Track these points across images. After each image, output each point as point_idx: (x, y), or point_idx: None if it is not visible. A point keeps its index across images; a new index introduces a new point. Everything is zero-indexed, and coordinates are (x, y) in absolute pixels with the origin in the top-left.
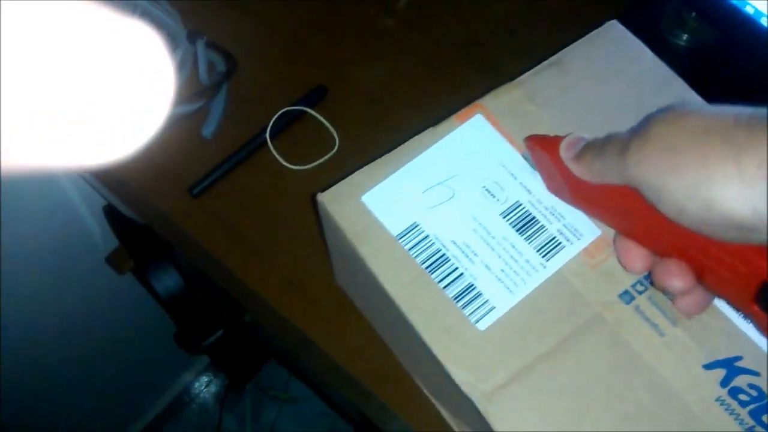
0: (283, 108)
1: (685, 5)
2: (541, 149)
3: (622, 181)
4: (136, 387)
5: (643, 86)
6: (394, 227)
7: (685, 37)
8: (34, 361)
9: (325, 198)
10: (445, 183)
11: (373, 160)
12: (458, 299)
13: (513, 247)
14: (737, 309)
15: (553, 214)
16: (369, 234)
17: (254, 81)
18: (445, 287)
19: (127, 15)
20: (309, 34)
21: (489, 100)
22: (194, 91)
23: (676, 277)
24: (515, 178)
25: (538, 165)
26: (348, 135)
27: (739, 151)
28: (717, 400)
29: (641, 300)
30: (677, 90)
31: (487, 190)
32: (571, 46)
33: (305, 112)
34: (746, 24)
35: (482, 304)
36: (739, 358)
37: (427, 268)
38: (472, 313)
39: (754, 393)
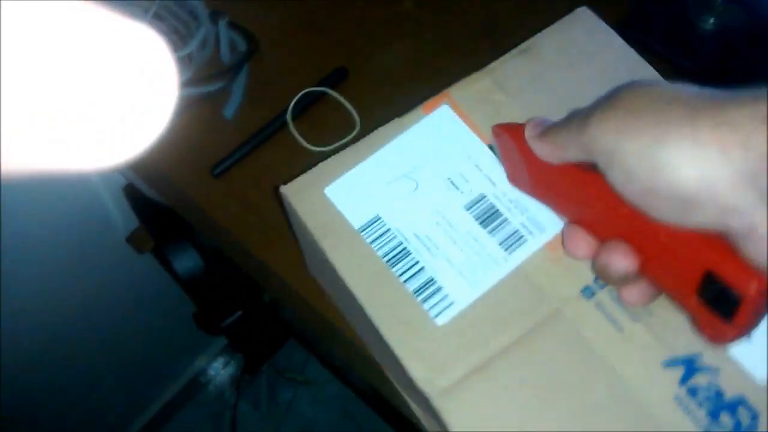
0: (304, 89)
1: None
2: (507, 135)
3: (582, 153)
4: (154, 367)
5: (614, 73)
6: (356, 220)
7: (711, 20)
8: (54, 341)
9: (288, 190)
10: (409, 175)
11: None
12: (418, 293)
13: (476, 240)
14: (678, 303)
15: (517, 207)
16: (331, 227)
17: (275, 62)
18: (405, 281)
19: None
20: (330, 16)
21: (456, 90)
22: (216, 71)
23: (621, 256)
24: (480, 170)
25: (502, 153)
26: (368, 116)
27: (696, 112)
28: (675, 398)
29: (602, 295)
30: (646, 76)
31: (451, 182)
32: (541, 33)
33: (326, 93)
34: None
35: (442, 299)
36: (698, 356)
37: (388, 261)
38: (432, 307)
39: (712, 392)
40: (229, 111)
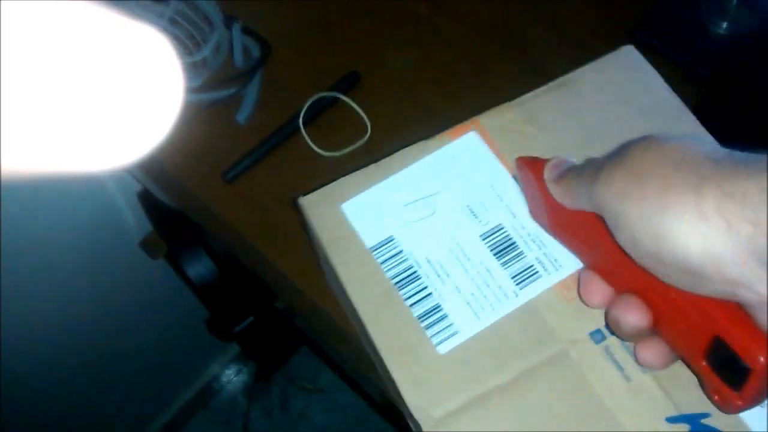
0: (316, 94)
1: None
2: (528, 170)
3: (591, 206)
4: (167, 374)
5: (652, 118)
6: (370, 239)
7: (725, 25)
8: (66, 347)
9: (305, 202)
10: (427, 199)
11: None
12: (423, 319)
13: (488, 271)
14: (688, 364)
15: (535, 242)
16: (344, 243)
17: (288, 67)
18: (411, 305)
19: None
20: (343, 21)
21: (486, 118)
22: (229, 76)
23: (633, 312)
24: (501, 200)
25: (524, 187)
26: (380, 122)
27: (702, 180)
28: None
29: (612, 341)
30: (688, 126)
31: (470, 209)
32: (581, 69)
33: (338, 98)
34: None
35: (446, 327)
36: (706, 415)
37: (396, 283)
38: (435, 335)
39: None
40: (242, 116)
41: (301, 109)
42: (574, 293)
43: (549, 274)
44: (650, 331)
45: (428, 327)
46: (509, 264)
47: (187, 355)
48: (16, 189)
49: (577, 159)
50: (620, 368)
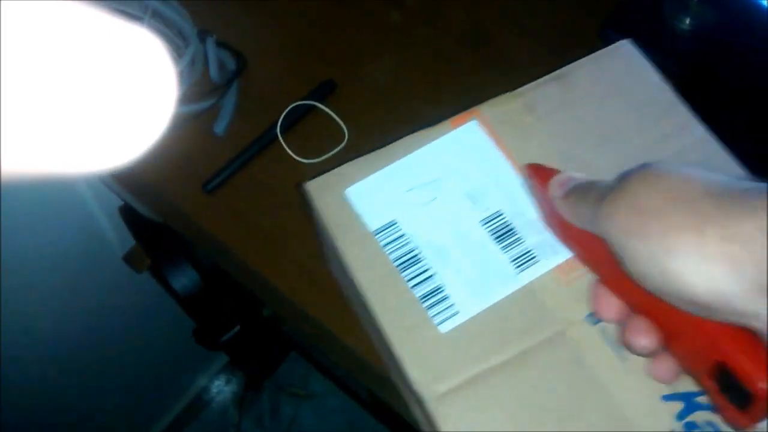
0: (293, 103)
1: None
2: (536, 179)
3: (596, 232)
4: (156, 387)
5: (646, 110)
6: (373, 223)
7: (687, 20)
8: (54, 364)
9: (311, 186)
10: (429, 185)
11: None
12: (425, 300)
13: (487, 254)
14: (696, 381)
15: (533, 228)
16: (348, 226)
17: (264, 78)
18: (413, 286)
19: (138, 16)
20: (317, 30)
21: (487, 108)
22: (205, 89)
23: (643, 335)
24: (501, 188)
25: (534, 194)
26: (357, 128)
27: (703, 220)
28: None
29: (608, 323)
30: (680, 118)
31: (470, 196)
32: (579, 61)
33: (315, 106)
34: (747, 5)
35: (447, 307)
36: (700, 394)
37: (399, 265)
38: (437, 314)
39: (709, 430)
40: (220, 127)
41: (279, 119)
42: (572, 277)
43: (547, 258)
44: (661, 350)
45: (430, 307)
46: (508, 248)
47: (175, 368)
48: None
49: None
50: (616, 349)
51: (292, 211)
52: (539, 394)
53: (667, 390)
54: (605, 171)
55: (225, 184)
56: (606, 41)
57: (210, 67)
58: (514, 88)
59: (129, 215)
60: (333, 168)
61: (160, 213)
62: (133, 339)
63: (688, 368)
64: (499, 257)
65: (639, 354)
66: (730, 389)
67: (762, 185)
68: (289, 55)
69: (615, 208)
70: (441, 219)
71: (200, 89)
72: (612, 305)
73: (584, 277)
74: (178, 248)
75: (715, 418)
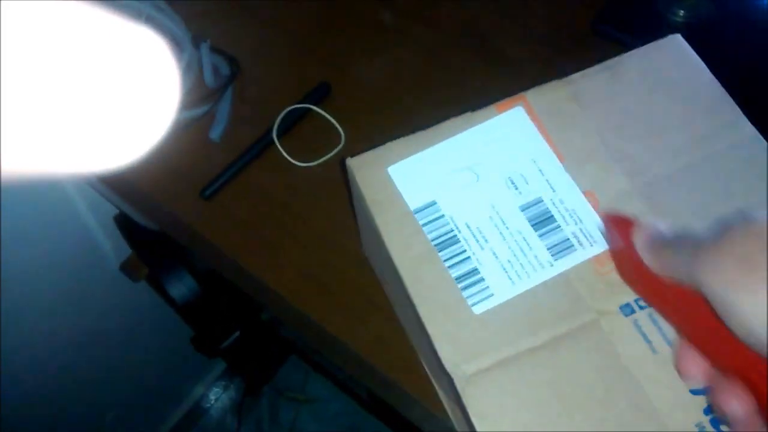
0: (289, 107)
1: None
2: (616, 229)
3: (692, 284)
4: (155, 396)
5: (693, 105)
6: (413, 202)
7: (681, 13)
8: (53, 376)
9: (353, 163)
10: (471, 168)
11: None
12: (460, 280)
13: (525, 240)
14: None
15: (572, 217)
16: (388, 204)
17: (259, 82)
18: (450, 267)
19: (131, 21)
20: (310, 33)
21: (533, 95)
22: (200, 95)
23: (738, 401)
24: (542, 174)
25: (611, 244)
26: (353, 129)
27: None
28: (696, 425)
29: (641, 315)
30: (729, 115)
31: (511, 180)
32: (628, 53)
33: (310, 109)
34: None
35: (482, 290)
36: None
37: (436, 245)
38: (471, 296)
39: None
40: (216, 133)
41: (275, 123)
42: (608, 268)
43: (584, 248)
44: (755, 415)
45: (465, 288)
46: (546, 235)
47: (174, 377)
48: None
49: (617, 143)
50: (648, 341)
51: (290, 214)
52: (568, 381)
53: (695, 384)
54: (649, 164)
55: (222, 190)
56: (599, 35)
57: (204, 73)
58: (511, 85)
59: (124, 224)
60: (332, 169)
61: (156, 221)
62: (131, 348)
63: None
64: (537, 244)
65: (731, 418)
66: None
67: None
68: (283, 59)
69: (717, 261)
70: (481, 202)
71: (195, 95)
72: (698, 365)
73: None
74: (174, 256)
75: None
